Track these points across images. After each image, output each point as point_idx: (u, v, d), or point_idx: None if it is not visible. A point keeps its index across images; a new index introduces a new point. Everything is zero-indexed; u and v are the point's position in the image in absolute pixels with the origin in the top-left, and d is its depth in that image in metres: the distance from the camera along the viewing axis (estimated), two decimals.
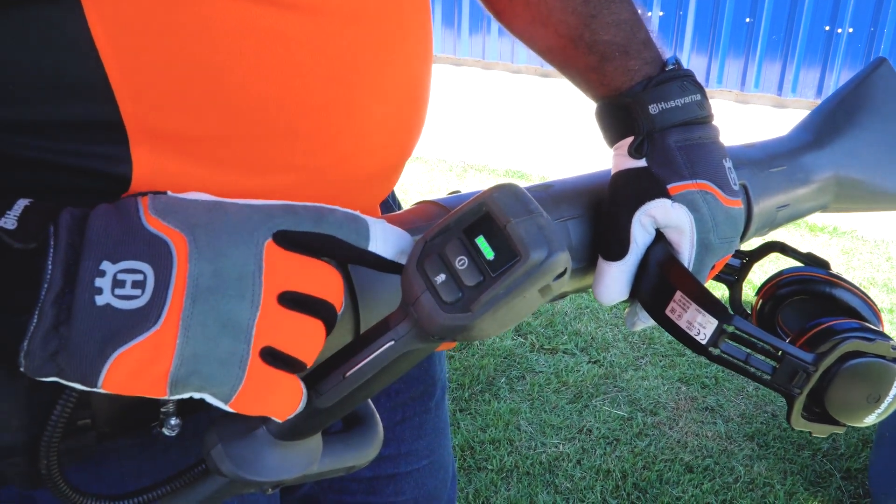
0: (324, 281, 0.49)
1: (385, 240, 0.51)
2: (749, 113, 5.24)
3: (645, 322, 0.74)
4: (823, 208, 0.88)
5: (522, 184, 0.56)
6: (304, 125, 0.59)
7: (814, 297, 0.79)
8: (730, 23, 5.20)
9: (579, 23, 0.76)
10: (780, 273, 0.81)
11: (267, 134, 0.58)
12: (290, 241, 0.48)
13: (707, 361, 2.67)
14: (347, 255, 0.50)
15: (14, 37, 0.50)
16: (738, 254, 0.84)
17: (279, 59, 0.55)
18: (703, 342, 0.64)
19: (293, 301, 0.48)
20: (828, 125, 0.89)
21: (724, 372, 2.73)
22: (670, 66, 0.74)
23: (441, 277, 0.47)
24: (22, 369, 0.43)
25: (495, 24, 6.31)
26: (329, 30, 0.58)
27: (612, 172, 0.74)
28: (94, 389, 0.44)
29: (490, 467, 2.30)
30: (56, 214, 0.46)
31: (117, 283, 0.43)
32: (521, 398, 2.62)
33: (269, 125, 0.58)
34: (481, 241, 0.47)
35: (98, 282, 0.43)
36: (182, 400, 0.48)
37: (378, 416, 0.59)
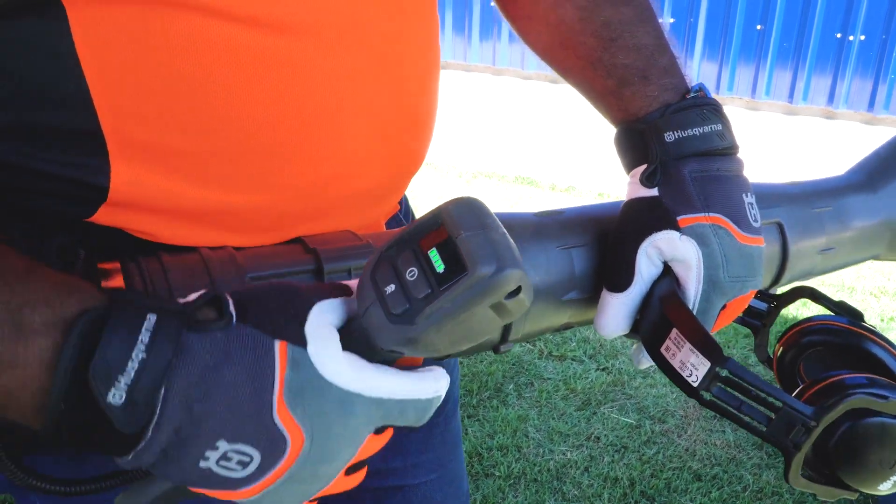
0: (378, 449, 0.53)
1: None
2: (760, 120, 5.23)
3: (650, 360, 0.72)
4: (876, 257, 0.84)
5: (538, 206, 0.56)
6: (288, 145, 0.59)
7: (839, 349, 0.73)
8: (741, 30, 5.20)
9: (598, 45, 0.74)
10: (808, 320, 0.76)
11: (249, 152, 0.58)
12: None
13: None
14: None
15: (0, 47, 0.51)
16: (766, 297, 0.79)
17: (262, 79, 0.56)
18: (695, 384, 0.61)
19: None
20: (882, 168, 0.85)
21: None
22: (693, 94, 0.72)
23: (391, 288, 0.46)
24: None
25: (506, 31, 6.32)
26: (315, 52, 0.58)
27: (624, 201, 0.73)
28: None
29: (498, 474, 2.30)
30: (168, 374, 0.42)
31: (225, 458, 0.44)
32: (529, 405, 2.62)
33: (251, 144, 0.58)
34: (433, 254, 0.46)
35: (208, 453, 0.44)
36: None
37: None
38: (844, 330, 0.73)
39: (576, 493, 2.24)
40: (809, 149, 4.93)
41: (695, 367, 0.61)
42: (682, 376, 0.62)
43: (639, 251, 0.68)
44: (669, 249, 0.67)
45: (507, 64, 6.44)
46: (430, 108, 0.74)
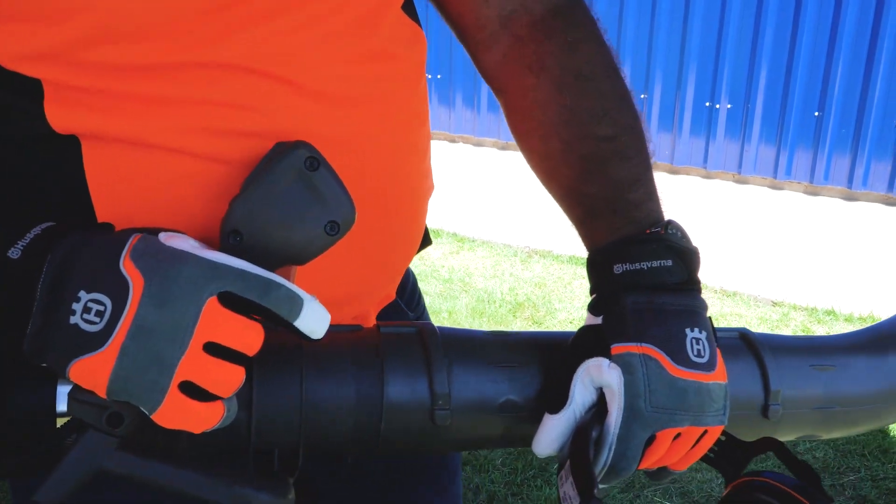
0: (248, 338, 0.58)
1: (310, 320, 0.59)
2: (819, 205, 5.19)
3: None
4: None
5: (488, 325, 0.61)
6: None
7: None
8: (798, 116, 5.20)
9: (574, 176, 0.78)
10: (759, 473, 0.72)
11: None
12: (232, 301, 0.57)
13: (771, 456, 2.56)
14: (276, 323, 0.59)
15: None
16: (740, 445, 0.75)
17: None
18: None
19: (217, 349, 0.57)
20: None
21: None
22: (654, 230, 0.73)
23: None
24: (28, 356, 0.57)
25: None
26: None
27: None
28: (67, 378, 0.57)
29: None
30: (59, 242, 0.58)
31: (86, 309, 0.55)
32: None
33: None
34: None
35: (74, 305, 0.55)
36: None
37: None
38: (791, 498, 0.69)
39: None
40: (869, 234, 4.86)
41: (571, 500, 0.65)
42: None
43: (574, 376, 0.71)
44: (598, 376, 0.69)
45: None
46: (416, 234, 0.82)
